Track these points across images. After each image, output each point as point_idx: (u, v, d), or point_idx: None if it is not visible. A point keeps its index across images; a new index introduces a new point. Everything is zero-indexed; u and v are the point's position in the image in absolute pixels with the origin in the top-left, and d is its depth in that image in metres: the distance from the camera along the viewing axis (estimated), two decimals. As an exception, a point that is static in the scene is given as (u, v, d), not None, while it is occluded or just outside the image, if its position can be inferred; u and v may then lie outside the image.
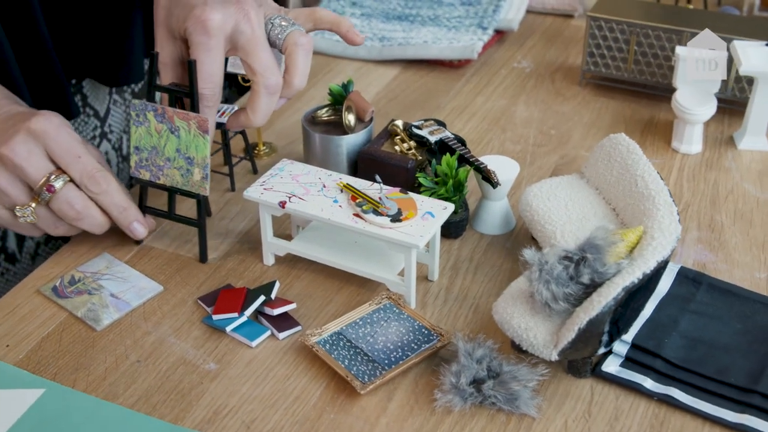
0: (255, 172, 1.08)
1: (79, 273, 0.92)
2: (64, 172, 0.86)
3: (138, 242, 0.96)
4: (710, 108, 1.09)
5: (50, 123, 0.85)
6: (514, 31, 1.36)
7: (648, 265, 0.77)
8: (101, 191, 0.87)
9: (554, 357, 0.76)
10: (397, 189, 0.89)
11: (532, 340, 0.77)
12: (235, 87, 1.30)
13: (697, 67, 1.10)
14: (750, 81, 1.15)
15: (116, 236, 0.97)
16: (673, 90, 1.17)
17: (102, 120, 1.08)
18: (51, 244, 1.10)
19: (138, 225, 0.91)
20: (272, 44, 0.90)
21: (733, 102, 1.17)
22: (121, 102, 1.11)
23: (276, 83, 0.87)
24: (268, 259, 0.94)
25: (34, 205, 0.86)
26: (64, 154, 0.85)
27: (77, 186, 0.87)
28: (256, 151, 1.10)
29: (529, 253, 0.78)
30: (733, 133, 1.14)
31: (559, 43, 1.38)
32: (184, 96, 0.88)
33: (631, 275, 0.75)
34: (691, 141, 1.11)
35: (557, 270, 0.76)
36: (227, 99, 1.27)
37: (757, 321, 0.85)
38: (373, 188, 0.89)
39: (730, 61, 1.12)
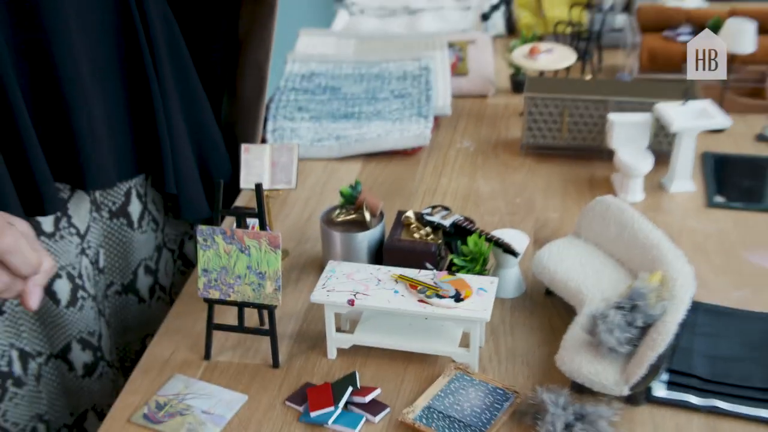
0: (279, 276, 1.14)
1: (161, 398, 0.95)
2: None
3: (206, 358, 1.00)
4: (649, 162, 1.25)
5: None
6: (449, 115, 1.49)
7: (686, 303, 0.90)
8: (4, 250, 0.83)
9: (626, 392, 0.88)
10: (445, 272, 0.99)
11: (604, 381, 0.88)
12: None
13: (628, 131, 1.27)
14: (666, 134, 1.33)
15: (181, 356, 1.00)
16: (603, 150, 1.33)
17: (82, 237, 1.10)
18: (51, 363, 1.10)
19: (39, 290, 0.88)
20: None
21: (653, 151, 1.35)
22: (99, 219, 1.13)
23: None
24: (332, 353, 1.00)
25: None
26: None
27: None
28: (272, 257, 1.16)
29: (589, 310, 0.90)
30: (660, 179, 1.31)
31: (486, 121, 1.52)
32: (251, 217, 0.94)
33: (679, 313, 0.89)
34: (635, 191, 1.27)
35: (617, 319, 0.88)
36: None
37: (750, 332, 1.00)
38: (423, 275, 0.98)
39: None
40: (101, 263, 1.14)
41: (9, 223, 0.85)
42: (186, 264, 1.29)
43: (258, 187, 0.94)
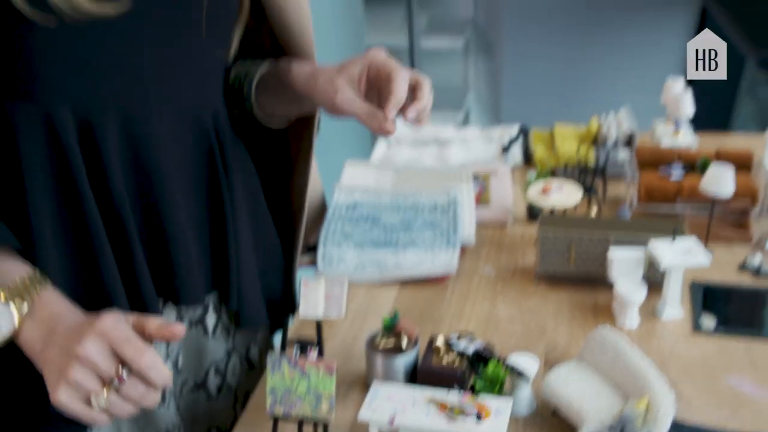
0: (331, 391, 1.31)
1: (236, 497, 1.12)
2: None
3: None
4: (643, 292, 1.42)
5: (110, 320, 1.00)
6: (473, 245, 1.67)
7: (667, 427, 1.06)
8: (145, 367, 0.98)
9: (618, 502, 1.04)
10: (469, 393, 1.15)
11: (600, 492, 1.04)
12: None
13: (625, 266, 1.45)
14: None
15: (250, 461, 1.17)
16: (605, 279, 1.50)
17: (168, 344, 1.28)
18: None
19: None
20: None
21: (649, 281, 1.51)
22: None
23: None
24: (375, 461, 1.16)
25: (106, 393, 0.98)
26: (120, 344, 0.98)
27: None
28: (323, 374, 1.34)
29: (588, 430, 1.06)
30: (655, 305, 1.48)
31: (505, 249, 1.70)
32: (312, 346, 1.12)
33: (660, 437, 1.05)
34: (633, 318, 1.43)
35: (610, 440, 1.05)
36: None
37: (728, 449, 1.16)
38: (450, 396, 1.15)
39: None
40: (179, 364, 1.32)
41: (145, 342, 1.01)
42: (250, 366, 1.46)
43: (318, 324, 1.12)
